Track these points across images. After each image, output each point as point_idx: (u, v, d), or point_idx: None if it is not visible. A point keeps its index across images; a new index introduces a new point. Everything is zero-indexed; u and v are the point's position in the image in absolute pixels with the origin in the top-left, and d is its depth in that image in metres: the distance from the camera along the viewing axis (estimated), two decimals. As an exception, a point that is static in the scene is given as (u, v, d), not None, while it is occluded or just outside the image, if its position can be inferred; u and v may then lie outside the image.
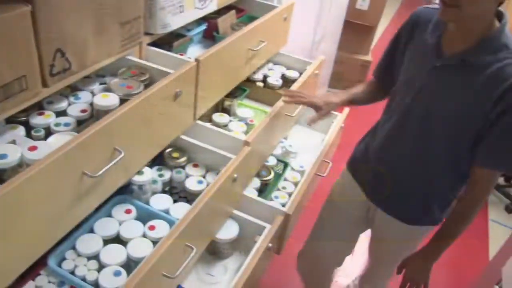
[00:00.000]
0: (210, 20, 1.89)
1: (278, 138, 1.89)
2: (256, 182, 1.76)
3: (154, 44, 1.50)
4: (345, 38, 3.87)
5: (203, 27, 1.85)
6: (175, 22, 1.52)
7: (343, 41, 3.86)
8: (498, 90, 1.22)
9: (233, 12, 1.93)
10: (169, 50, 1.55)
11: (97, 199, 1.14)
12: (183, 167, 1.51)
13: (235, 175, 1.40)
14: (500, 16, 1.26)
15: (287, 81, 2.03)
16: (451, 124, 1.34)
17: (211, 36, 1.87)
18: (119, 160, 1.10)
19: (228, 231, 1.53)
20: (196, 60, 1.39)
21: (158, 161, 1.51)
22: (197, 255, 1.36)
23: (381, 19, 4.05)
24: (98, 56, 1.26)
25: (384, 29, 6.02)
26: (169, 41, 1.64)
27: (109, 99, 1.20)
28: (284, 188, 1.81)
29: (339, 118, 2.14)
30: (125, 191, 1.37)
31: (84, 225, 1.24)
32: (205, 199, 1.26)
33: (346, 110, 2.20)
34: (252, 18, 1.90)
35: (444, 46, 1.32)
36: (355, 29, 3.98)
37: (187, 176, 1.49)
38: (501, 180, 3.57)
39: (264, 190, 1.82)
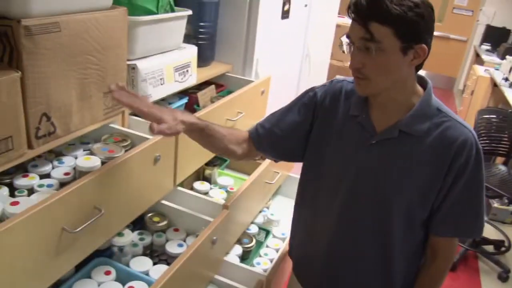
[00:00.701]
0: (191, 94, 1.99)
1: (259, 205, 1.92)
2: (238, 249, 1.78)
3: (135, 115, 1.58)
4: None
5: (184, 100, 1.94)
6: (156, 93, 1.60)
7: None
8: (447, 157, 1.17)
9: (212, 86, 2.04)
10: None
11: (77, 257, 1.16)
12: (163, 231, 1.53)
13: (214, 237, 1.42)
14: (422, 82, 1.23)
15: (266, 151, 2.10)
16: (405, 200, 1.23)
17: (192, 109, 1.96)
18: (99, 217, 1.13)
19: (209, 297, 1.53)
20: (176, 127, 1.45)
21: (139, 225, 1.54)
22: None
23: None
24: (82, 123, 1.32)
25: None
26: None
27: (91, 161, 1.25)
28: (266, 254, 1.83)
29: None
30: (106, 254, 1.38)
31: (63, 286, 1.24)
32: (183, 259, 1.28)
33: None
34: (231, 93, 2.00)
35: (374, 120, 1.23)
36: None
37: (168, 240, 1.51)
38: (491, 248, 3.56)
39: (246, 257, 1.83)
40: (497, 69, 5.42)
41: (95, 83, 1.32)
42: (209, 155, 1.76)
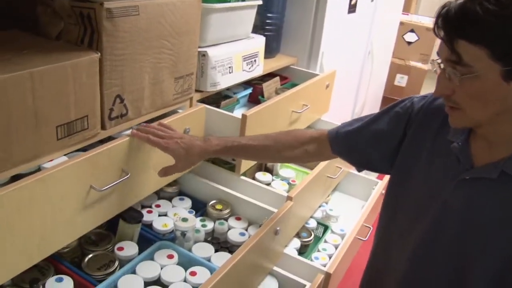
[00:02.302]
0: (255, 85, 1.98)
1: (319, 199, 1.90)
2: (297, 243, 1.76)
3: (202, 102, 1.59)
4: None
5: (249, 90, 1.94)
6: (224, 82, 1.61)
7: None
8: None
9: (277, 78, 2.02)
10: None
11: (104, 215, 1.22)
12: (226, 219, 1.54)
13: (278, 228, 1.41)
14: None
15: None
16: (493, 261, 0.95)
17: (256, 100, 1.95)
18: (125, 179, 1.19)
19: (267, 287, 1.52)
20: (243, 115, 1.45)
21: (202, 212, 1.55)
22: None
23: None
24: (152, 106, 1.34)
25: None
26: (217, 101, 1.72)
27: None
28: (324, 249, 1.80)
29: (379, 185, 2.14)
30: (169, 238, 1.41)
31: (127, 265, 1.27)
32: (247, 248, 1.27)
33: (387, 177, 2.21)
34: (295, 86, 1.98)
35: (473, 151, 0.98)
36: (394, 105, 4.05)
37: (230, 228, 1.51)
38: None
39: (303, 251, 1.81)
40: None
41: (167, 68, 1.34)
42: None
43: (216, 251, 1.42)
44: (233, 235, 1.48)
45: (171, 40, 1.31)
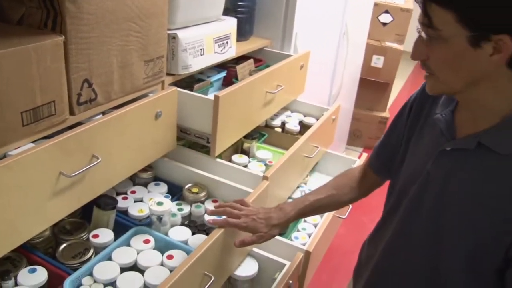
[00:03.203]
0: (229, 68, 1.97)
1: (297, 179, 1.90)
2: (276, 224, 1.76)
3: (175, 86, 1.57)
4: (362, 95, 3.95)
5: (223, 74, 1.92)
6: (196, 64, 1.59)
7: (359, 98, 3.93)
8: None
9: (251, 60, 2.01)
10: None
11: (76, 201, 1.19)
12: (202, 202, 1.53)
13: None
14: None
15: (305, 127, 2.07)
16: (466, 235, 0.94)
17: (231, 83, 1.94)
18: (96, 165, 1.18)
19: (247, 269, 1.52)
20: (215, 96, 1.44)
21: (178, 196, 1.54)
22: (216, 285, 1.33)
23: (396, 76, 4.15)
24: (122, 91, 1.32)
25: (401, 87, 6.15)
26: (190, 85, 1.71)
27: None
28: (304, 229, 1.81)
29: (357, 163, 2.15)
30: (145, 223, 1.40)
31: (102, 252, 1.25)
32: (222, 229, 1.27)
33: (364, 155, 2.22)
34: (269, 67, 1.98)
35: (457, 123, 0.98)
36: (371, 86, 4.07)
37: (206, 210, 1.51)
38: None
39: (284, 232, 1.81)
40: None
41: (136, 51, 1.32)
42: (247, 128, 1.74)
43: (193, 234, 1.41)
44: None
45: (139, 22, 1.28)
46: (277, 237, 1.62)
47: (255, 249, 1.57)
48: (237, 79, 1.91)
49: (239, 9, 2.01)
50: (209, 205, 1.52)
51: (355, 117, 4.10)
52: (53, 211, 1.12)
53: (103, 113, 1.30)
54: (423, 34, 0.88)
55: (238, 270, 1.50)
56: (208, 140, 1.58)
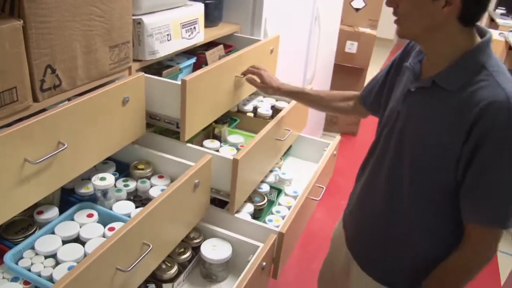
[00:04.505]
0: (199, 54, 1.96)
1: (270, 162, 1.90)
2: (250, 207, 1.77)
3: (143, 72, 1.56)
4: (337, 81, 3.97)
5: (193, 60, 1.91)
6: (163, 50, 1.58)
7: (334, 84, 3.95)
8: (466, 121, 1.05)
9: (221, 46, 2.01)
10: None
11: (43, 189, 1.18)
12: (148, 178, 1.56)
13: (196, 181, 1.42)
14: (482, 34, 1.13)
15: (277, 111, 2.07)
16: (417, 156, 1.17)
17: (200, 68, 1.93)
18: (62, 151, 1.17)
19: (220, 252, 1.52)
20: (183, 80, 1.44)
21: (126, 173, 1.59)
22: (156, 254, 1.33)
23: (371, 62, 4.17)
24: (88, 77, 1.31)
25: (376, 73, 6.17)
26: (159, 71, 1.70)
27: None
28: (278, 212, 1.82)
29: (330, 146, 2.17)
30: (90, 199, 1.43)
31: (45, 227, 1.27)
32: (159, 200, 1.26)
33: (338, 137, 2.24)
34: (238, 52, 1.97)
35: (422, 70, 1.21)
36: (346, 71, 4.09)
37: (152, 185, 1.54)
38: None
39: (258, 215, 1.82)
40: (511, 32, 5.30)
41: (100, 35, 1.31)
42: (218, 113, 1.73)
43: (137, 207, 1.43)
44: (154, 192, 1.50)
45: (101, 7, 1.27)
46: (251, 219, 1.64)
47: (229, 233, 1.58)
48: (207, 65, 1.91)
49: (207, -5, 2.00)
50: (155, 181, 1.56)
51: (331, 103, 4.10)
52: (20, 198, 1.11)
53: (69, 99, 1.29)
54: None
55: (212, 253, 1.51)
56: (177, 125, 1.57)
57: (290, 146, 2.24)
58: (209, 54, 1.91)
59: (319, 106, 1.72)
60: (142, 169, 1.56)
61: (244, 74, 1.76)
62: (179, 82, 1.46)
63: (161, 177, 1.57)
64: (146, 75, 1.50)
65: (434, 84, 1.13)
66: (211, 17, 2.05)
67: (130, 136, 1.49)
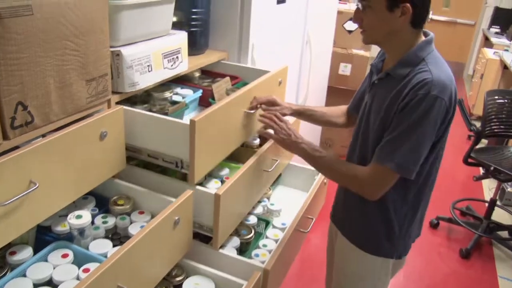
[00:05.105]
0: (205, 88, 1.92)
1: (257, 194, 1.84)
2: (236, 241, 1.72)
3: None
4: (331, 104, 3.90)
5: (199, 94, 1.88)
6: (143, 81, 1.54)
7: (328, 106, 3.91)
8: (403, 95, 1.32)
9: (227, 78, 1.96)
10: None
11: (14, 231, 1.14)
12: (128, 214, 1.51)
13: (177, 217, 1.36)
14: (426, 34, 1.41)
15: (264, 139, 2.03)
16: (375, 134, 1.42)
17: (207, 103, 1.89)
18: (33, 191, 1.12)
19: (204, 290, 1.47)
20: (192, 121, 1.37)
21: (105, 208, 1.53)
22: None
23: (364, 84, 4.14)
24: (63, 112, 1.27)
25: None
26: (164, 108, 1.68)
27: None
28: (265, 246, 1.77)
29: (320, 174, 2.12)
30: (66, 237, 1.37)
31: (17, 269, 1.22)
32: (137, 238, 1.21)
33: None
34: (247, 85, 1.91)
35: (383, 66, 1.49)
36: (340, 94, 4.05)
37: (132, 222, 1.49)
38: (505, 234, 3.45)
39: (245, 249, 1.77)
40: (506, 51, 5.29)
41: (75, 70, 1.27)
42: (228, 151, 1.67)
43: (114, 246, 1.38)
44: (134, 229, 1.44)
45: (75, 40, 1.24)
46: (235, 255, 1.58)
47: (212, 270, 1.53)
48: (213, 99, 1.86)
49: (192, 22, 1.97)
50: (135, 217, 1.50)
51: (325, 125, 4.06)
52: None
53: (44, 135, 1.25)
54: (359, 6, 1.36)
55: (194, 292, 1.45)
56: (177, 165, 1.51)
57: (280, 175, 2.19)
58: (216, 87, 1.86)
59: (322, 122, 1.88)
60: (122, 205, 1.51)
61: (252, 108, 1.70)
62: (184, 122, 1.41)
63: (141, 213, 1.52)
64: (127, 107, 1.46)
65: (388, 75, 1.42)
66: (197, 45, 2.03)
67: (108, 171, 1.45)
